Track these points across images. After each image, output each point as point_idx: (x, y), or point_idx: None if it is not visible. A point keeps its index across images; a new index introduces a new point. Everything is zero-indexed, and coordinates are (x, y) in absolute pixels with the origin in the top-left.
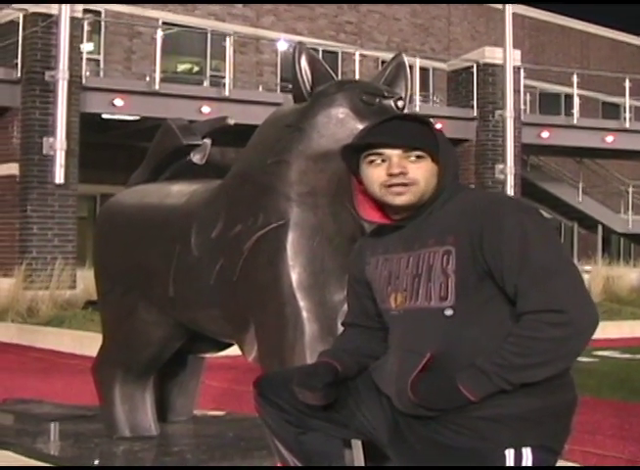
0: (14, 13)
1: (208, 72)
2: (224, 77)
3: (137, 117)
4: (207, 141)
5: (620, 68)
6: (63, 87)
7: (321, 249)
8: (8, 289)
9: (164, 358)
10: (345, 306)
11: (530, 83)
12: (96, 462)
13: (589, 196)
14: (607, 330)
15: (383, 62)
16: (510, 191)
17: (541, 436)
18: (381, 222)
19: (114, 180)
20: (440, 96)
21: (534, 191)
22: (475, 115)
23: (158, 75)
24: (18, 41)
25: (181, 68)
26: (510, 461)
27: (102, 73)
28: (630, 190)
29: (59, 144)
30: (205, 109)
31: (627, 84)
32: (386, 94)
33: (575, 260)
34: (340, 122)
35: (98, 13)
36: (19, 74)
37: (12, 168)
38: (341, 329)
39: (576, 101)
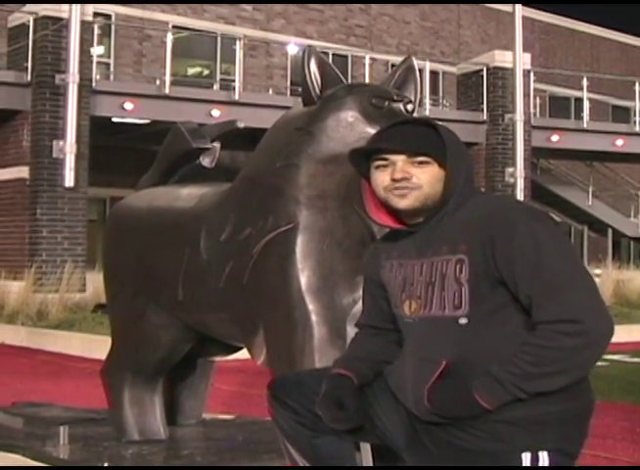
0: (24, 16)
1: (218, 76)
2: (234, 81)
3: (147, 121)
4: (217, 144)
5: (630, 71)
6: (73, 90)
7: (330, 252)
8: (18, 292)
9: (174, 361)
10: (355, 309)
11: (540, 87)
12: (105, 465)
13: (599, 199)
14: (617, 334)
15: (393, 65)
16: (520, 194)
17: (558, 439)
18: (392, 226)
19: (124, 183)
20: (450, 99)
21: (544, 194)
22: (484, 118)
23: (168, 79)
24: (28, 44)
25: (191, 71)
26: (526, 464)
27: (112, 77)
28: None
29: (69, 147)
30: (215, 112)
31: (637, 88)
32: (395, 97)
33: (585, 264)
34: (349, 126)
35: (108, 16)
36: (29, 78)
37: (22, 172)
38: (349, 331)
39: (586, 104)
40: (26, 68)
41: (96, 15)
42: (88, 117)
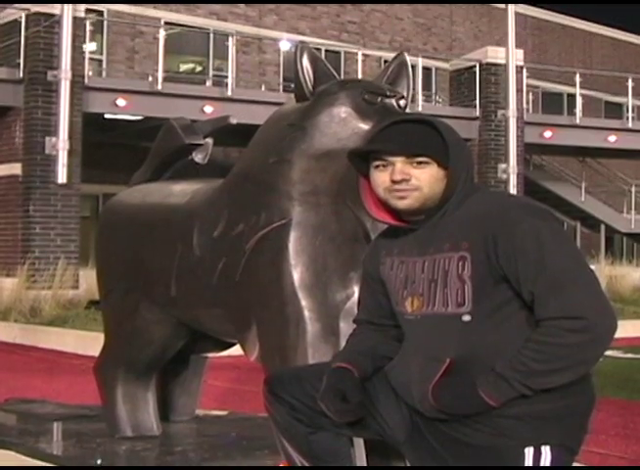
0: (16, 12)
1: (211, 72)
2: (227, 77)
3: (140, 117)
4: (210, 140)
5: (623, 67)
6: (65, 87)
7: (323, 248)
8: (11, 289)
9: (167, 358)
10: (348, 305)
11: (533, 83)
12: (98, 462)
13: (592, 195)
14: None
15: (385, 61)
16: (512, 190)
17: (561, 434)
18: (393, 223)
19: (117, 180)
20: (443, 96)
21: (537, 190)
22: (477, 114)
23: (160, 75)
24: (20, 41)
25: (184, 67)
26: (529, 459)
27: (104, 73)
28: (633, 190)
29: (61, 144)
30: (208, 108)
31: (630, 84)
32: (388, 93)
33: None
34: (342, 121)
35: (100, 12)
36: (21, 74)
37: (14, 168)
38: (343, 327)
39: (579, 100)
40: (19, 64)
41: (88, 11)
42: (81, 113)
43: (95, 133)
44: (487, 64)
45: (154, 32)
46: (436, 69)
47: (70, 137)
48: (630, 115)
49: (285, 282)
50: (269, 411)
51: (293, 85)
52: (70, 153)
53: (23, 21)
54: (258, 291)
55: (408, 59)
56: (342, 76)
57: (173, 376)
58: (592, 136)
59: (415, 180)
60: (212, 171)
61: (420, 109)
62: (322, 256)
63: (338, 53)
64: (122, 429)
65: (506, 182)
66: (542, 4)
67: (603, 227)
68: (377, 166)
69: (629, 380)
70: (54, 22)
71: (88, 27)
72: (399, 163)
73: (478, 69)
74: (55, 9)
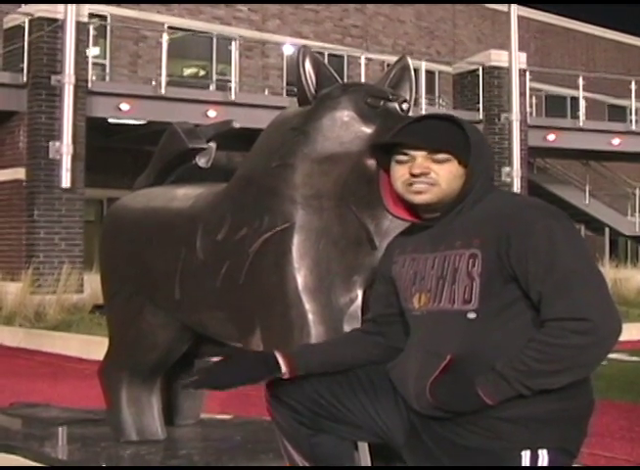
0: (20, 17)
1: (214, 76)
2: (230, 81)
3: (143, 122)
4: (213, 145)
5: (626, 70)
6: (69, 91)
7: (326, 251)
8: (15, 293)
9: (171, 362)
10: (352, 308)
11: (536, 86)
12: (103, 466)
13: (596, 198)
14: None
15: (388, 65)
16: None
17: (558, 438)
18: (408, 219)
19: (121, 184)
20: (446, 99)
21: (541, 194)
22: (481, 118)
23: (164, 80)
24: (24, 46)
25: (187, 72)
26: (526, 462)
27: (108, 78)
28: (637, 192)
29: (65, 148)
30: (212, 113)
31: (633, 86)
32: (390, 97)
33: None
34: (344, 125)
35: (104, 17)
36: (25, 79)
37: (18, 173)
38: (346, 331)
39: (582, 103)
40: (22, 69)
41: (91, 16)
42: (84, 117)
43: (99, 138)
44: (490, 67)
45: (157, 37)
46: (439, 72)
47: (74, 142)
48: (634, 117)
49: (288, 286)
50: (272, 415)
51: (296, 89)
52: (74, 157)
53: (27, 25)
54: (262, 294)
55: (410, 62)
56: (346, 80)
57: (178, 380)
58: (596, 139)
59: (434, 175)
60: (216, 175)
61: (423, 112)
62: (325, 259)
63: (341, 57)
64: (127, 433)
65: (510, 185)
66: (543, 4)
67: (607, 230)
68: (398, 161)
69: (634, 383)
70: (57, 26)
71: (91, 32)
72: (420, 157)
73: (481, 72)
74: (58, 14)
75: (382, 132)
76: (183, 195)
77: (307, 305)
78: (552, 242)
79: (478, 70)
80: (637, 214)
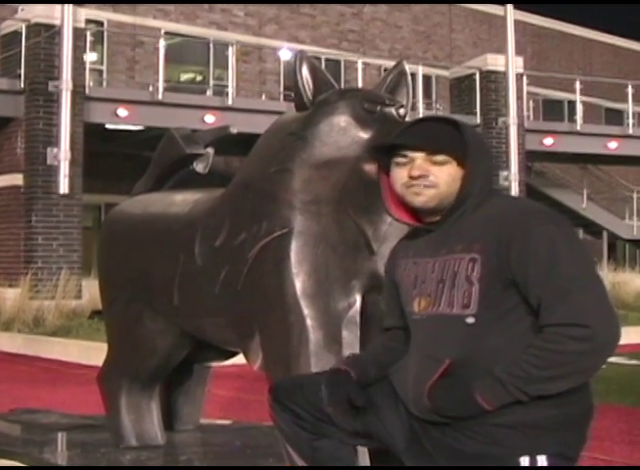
0: (17, 23)
1: (212, 82)
2: (227, 86)
3: (141, 127)
4: (210, 150)
5: (623, 74)
6: (66, 97)
7: (325, 257)
8: (14, 299)
9: (170, 367)
10: (350, 313)
11: (533, 90)
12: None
13: (594, 202)
14: None
15: (385, 69)
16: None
17: (557, 444)
18: (409, 223)
19: (119, 190)
20: (443, 103)
21: (539, 198)
22: (478, 122)
23: (161, 85)
24: (21, 52)
25: (184, 77)
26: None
27: (105, 83)
28: (635, 196)
29: (63, 154)
30: (209, 118)
31: (630, 90)
32: (387, 102)
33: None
34: (342, 130)
35: (101, 23)
36: (22, 85)
37: (16, 179)
38: (345, 336)
39: (579, 107)
40: (19, 75)
41: (88, 22)
42: (82, 123)
43: (96, 143)
44: (487, 71)
45: (154, 42)
46: (436, 76)
47: (72, 147)
48: (631, 121)
49: (287, 291)
50: (274, 420)
51: (293, 94)
52: (72, 163)
53: (24, 32)
54: (261, 300)
55: (407, 67)
56: (343, 85)
57: (177, 385)
58: (593, 143)
59: (433, 177)
60: (214, 181)
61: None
62: (324, 264)
63: (338, 61)
64: (127, 439)
65: (508, 189)
66: (538, 4)
67: (605, 234)
68: (398, 163)
69: (634, 387)
70: (54, 32)
71: (88, 38)
72: (419, 159)
73: (478, 76)
74: (55, 20)
75: (379, 137)
76: (181, 200)
77: (306, 311)
78: (552, 247)
79: (475, 74)
80: (635, 218)
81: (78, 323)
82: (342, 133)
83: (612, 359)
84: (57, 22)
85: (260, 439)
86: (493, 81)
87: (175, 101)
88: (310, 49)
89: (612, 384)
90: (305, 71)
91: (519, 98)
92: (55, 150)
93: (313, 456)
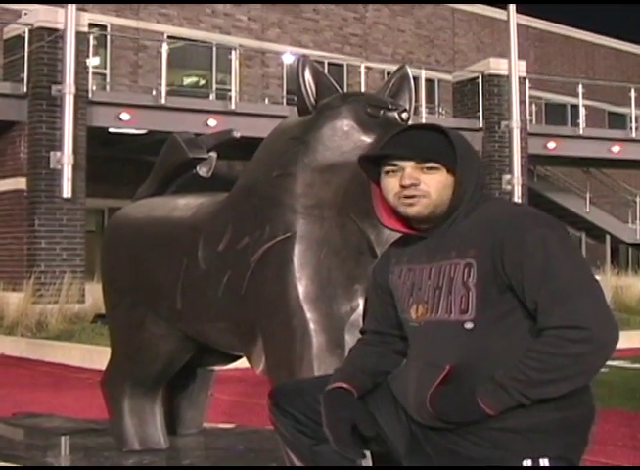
0: (20, 28)
1: (214, 86)
2: (230, 90)
3: (144, 131)
4: (213, 154)
5: (626, 77)
6: (69, 101)
7: (327, 261)
8: (17, 303)
9: (173, 371)
10: (353, 317)
11: (536, 94)
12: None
13: (597, 206)
14: None
15: (388, 73)
16: (518, 202)
17: (559, 447)
18: (402, 231)
19: (122, 194)
20: (446, 107)
21: (542, 201)
22: (481, 126)
23: (164, 89)
24: (24, 56)
25: (187, 81)
26: None
27: (108, 88)
28: (638, 200)
29: (66, 158)
30: (212, 122)
31: (633, 94)
32: (390, 106)
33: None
34: (345, 135)
35: (104, 27)
36: (25, 89)
37: (19, 183)
38: (348, 340)
39: (582, 111)
40: (22, 79)
41: (91, 26)
42: (85, 127)
43: (99, 147)
44: (490, 75)
45: (157, 46)
46: (439, 80)
47: (75, 151)
48: (634, 125)
49: (290, 295)
50: (274, 424)
51: (296, 98)
52: (75, 167)
53: (27, 36)
54: (264, 304)
55: (410, 71)
56: (345, 89)
57: (180, 389)
58: (596, 147)
59: (424, 186)
60: (217, 185)
61: (423, 121)
62: (326, 268)
63: (340, 65)
64: (130, 442)
65: (510, 193)
66: (540, 4)
67: (608, 238)
68: (387, 172)
69: (636, 391)
70: (57, 37)
71: (91, 42)
72: (409, 168)
73: (480, 80)
74: (58, 24)
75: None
76: (184, 205)
77: (309, 315)
78: (546, 250)
79: (477, 78)
80: (638, 222)
81: (81, 327)
82: (345, 137)
83: (614, 363)
84: (60, 26)
85: (263, 443)
86: (496, 85)
87: (178, 105)
88: (313, 53)
89: (614, 388)
90: (308, 76)
91: (521, 102)
92: (58, 154)
93: (314, 461)
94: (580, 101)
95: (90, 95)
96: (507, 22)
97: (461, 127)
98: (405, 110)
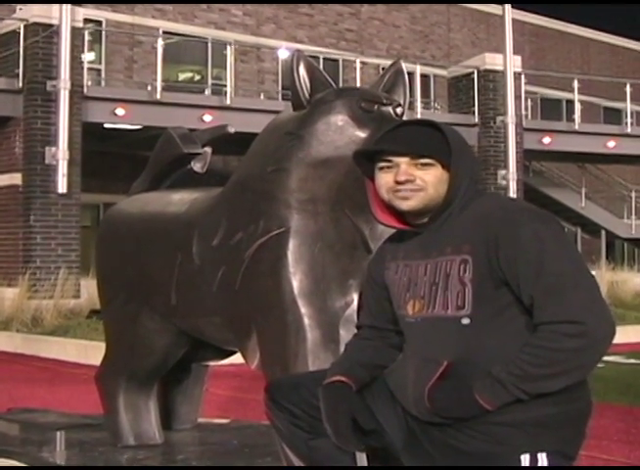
0: (15, 23)
1: (210, 81)
2: (225, 86)
3: (139, 127)
4: (208, 149)
5: (621, 73)
6: (64, 97)
7: (322, 256)
8: (12, 298)
9: (168, 366)
10: (347, 312)
11: (531, 89)
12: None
13: (592, 201)
14: None
15: (383, 69)
16: (512, 197)
17: (557, 441)
18: (397, 226)
19: (117, 189)
20: (442, 103)
21: (537, 197)
22: (476, 121)
23: (159, 84)
24: (19, 51)
25: (182, 76)
26: (525, 465)
27: (103, 83)
28: (633, 195)
29: (61, 154)
30: (207, 117)
31: (628, 89)
32: (384, 101)
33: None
34: (339, 130)
35: (99, 22)
36: (20, 84)
37: (14, 178)
38: (342, 335)
39: (577, 106)
40: (17, 74)
41: (86, 21)
42: (80, 123)
43: (94, 143)
44: (485, 70)
45: (152, 42)
46: (434, 76)
47: (70, 147)
48: (629, 120)
49: (284, 290)
50: (270, 418)
51: (290, 93)
52: (70, 162)
53: (22, 31)
54: (258, 299)
55: (404, 66)
56: (341, 84)
57: (175, 384)
58: (591, 142)
59: (419, 181)
60: (211, 180)
61: (418, 116)
62: (321, 263)
63: (336, 61)
64: (125, 438)
65: (506, 188)
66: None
67: (603, 233)
68: (382, 168)
69: (632, 386)
70: (52, 32)
71: (86, 37)
72: (404, 164)
73: (476, 75)
74: (53, 19)
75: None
76: (179, 200)
77: (303, 310)
78: (541, 244)
79: (473, 73)
80: (633, 217)
81: (76, 323)
82: (340, 132)
83: (610, 358)
84: (55, 21)
85: (258, 438)
86: (491, 80)
87: (173, 100)
88: (308, 48)
89: (610, 383)
90: (302, 71)
91: (517, 97)
92: (53, 149)
93: (310, 456)
94: (576, 96)
95: (85, 90)
96: (502, 17)
97: (456, 122)
98: (399, 105)
